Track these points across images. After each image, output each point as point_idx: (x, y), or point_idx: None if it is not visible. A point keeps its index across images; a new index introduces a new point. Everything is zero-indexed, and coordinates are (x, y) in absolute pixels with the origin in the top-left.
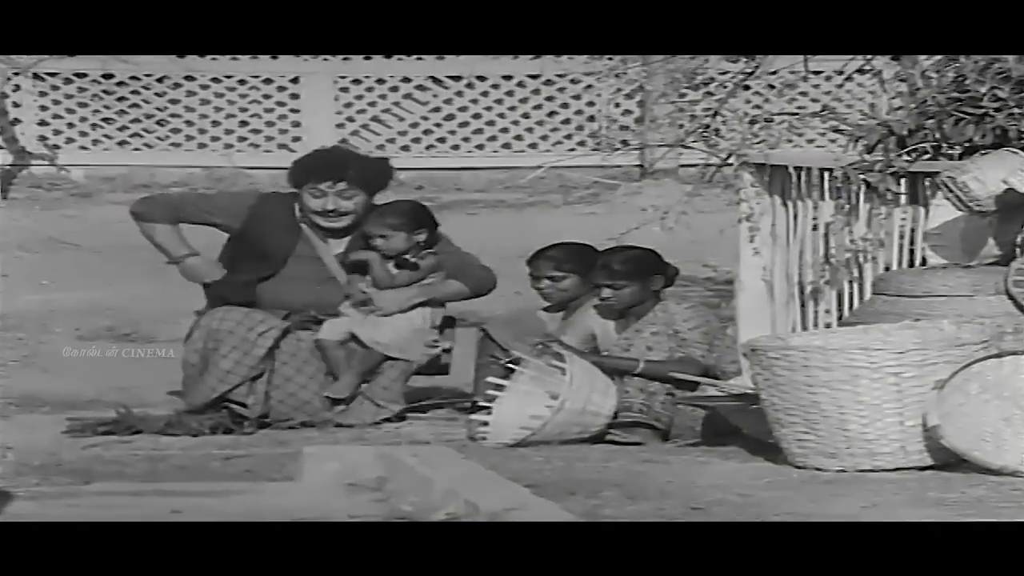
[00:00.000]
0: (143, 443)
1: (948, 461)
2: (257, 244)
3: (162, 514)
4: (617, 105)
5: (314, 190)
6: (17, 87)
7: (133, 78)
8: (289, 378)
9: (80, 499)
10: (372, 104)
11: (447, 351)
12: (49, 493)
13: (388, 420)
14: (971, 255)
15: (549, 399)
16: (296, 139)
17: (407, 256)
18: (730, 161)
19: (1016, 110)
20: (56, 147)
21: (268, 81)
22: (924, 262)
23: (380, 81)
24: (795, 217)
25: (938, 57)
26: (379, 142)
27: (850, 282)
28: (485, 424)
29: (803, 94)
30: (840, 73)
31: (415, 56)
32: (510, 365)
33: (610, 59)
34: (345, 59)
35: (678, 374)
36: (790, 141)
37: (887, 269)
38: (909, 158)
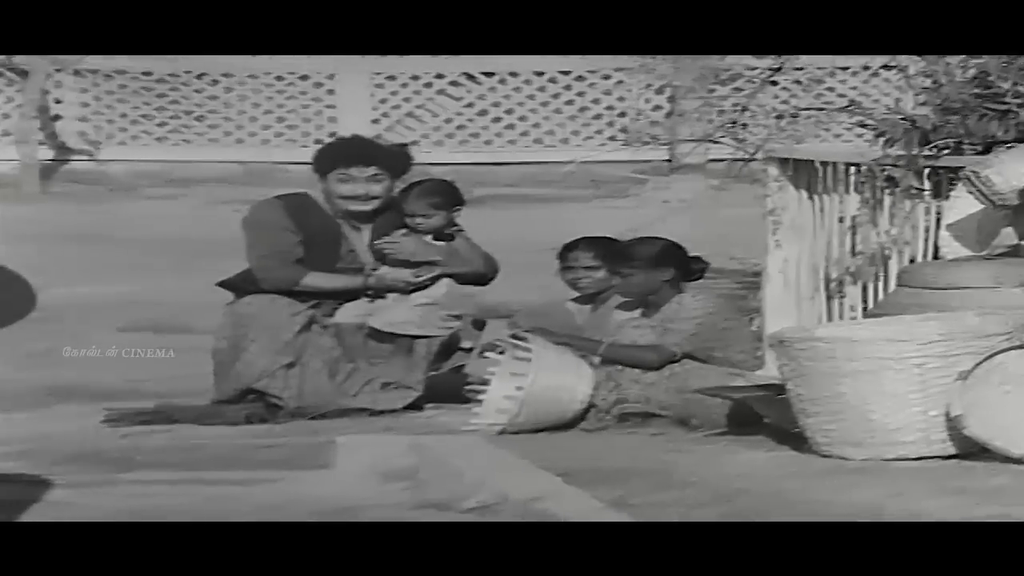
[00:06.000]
0: (180, 432)
1: (970, 450)
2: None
3: (196, 502)
4: (647, 101)
5: (343, 175)
6: (59, 84)
7: (172, 75)
8: (318, 370)
9: (118, 488)
10: (407, 100)
11: (469, 350)
12: (87, 482)
13: (415, 406)
14: (983, 245)
15: (519, 381)
16: (332, 134)
17: (443, 230)
18: (757, 156)
19: None
20: (96, 143)
21: (304, 78)
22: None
23: (415, 77)
24: (821, 211)
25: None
26: (414, 137)
27: (875, 275)
28: (475, 415)
29: (830, 89)
30: (866, 69)
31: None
32: (485, 354)
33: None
34: (381, 56)
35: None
36: (816, 136)
37: (911, 261)
38: (932, 153)
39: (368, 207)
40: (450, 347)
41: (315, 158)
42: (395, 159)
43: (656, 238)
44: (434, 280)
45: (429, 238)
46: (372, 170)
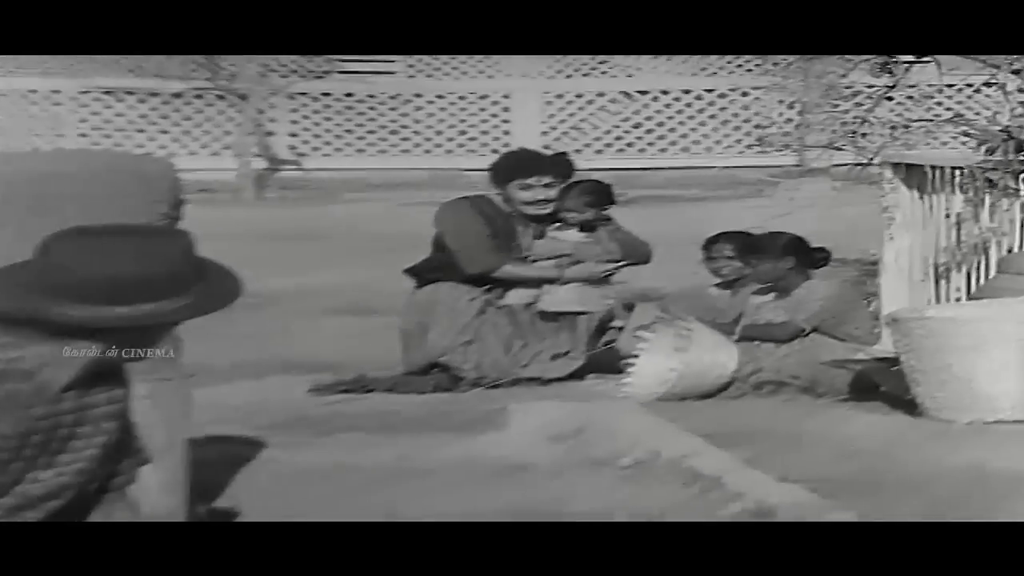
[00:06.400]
0: (376, 400)
1: None
2: (504, 237)
3: (388, 460)
4: (780, 114)
5: (522, 184)
6: (272, 105)
7: (370, 96)
8: (494, 346)
9: (322, 448)
10: (572, 115)
11: (619, 328)
12: (295, 443)
13: (577, 375)
14: None
15: (680, 355)
16: (506, 144)
17: (586, 221)
18: (875, 161)
19: None
20: (303, 155)
21: (484, 97)
22: None
23: (579, 95)
24: (930, 208)
25: None
26: (577, 147)
27: (980, 262)
28: (627, 383)
29: (938, 104)
30: (969, 86)
31: (609, 75)
32: (643, 332)
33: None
34: (550, 78)
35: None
36: (926, 144)
37: (1009, 251)
38: (1022, 160)
39: (546, 210)
40: (605, 323)
41: (493, 170)
42: (563, 167)
43: (782, 232)
44: (615, 272)
45: (576, 230)
46: (547, 178)
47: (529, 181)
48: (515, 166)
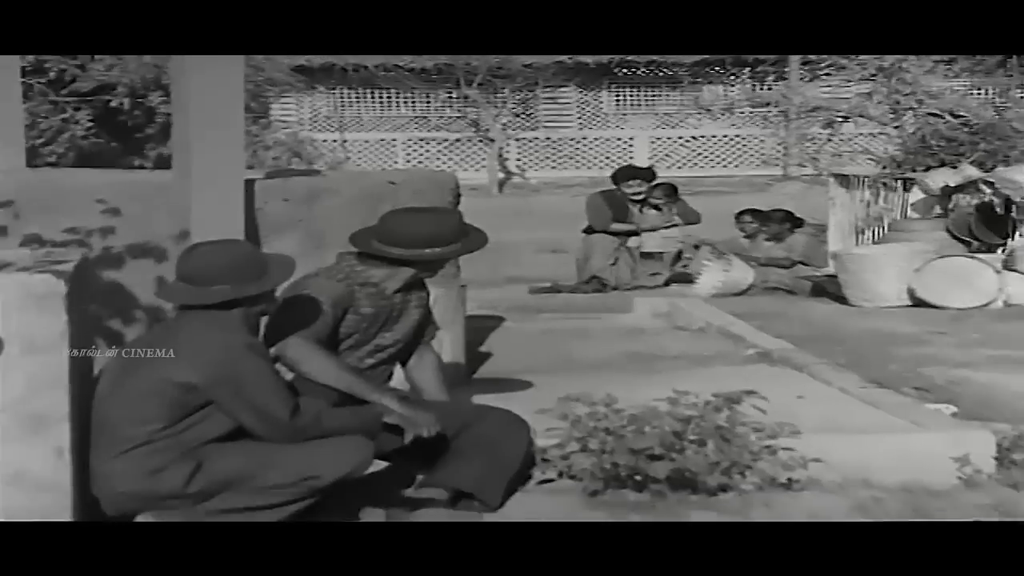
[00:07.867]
0: (562, 296)
1: (920, 303)
2: (617, 210)
3: (568, 327)
4: (775, 148)
5: (629, 183)
6: (508, 143)
7: (560, 139)
8: (623, 269)
9: (535, 322)
10: (663, 148)
11: (689, 258)
12: (521, 318)
13: (665, 284)
14: (927, 212)
15: (723, 273)
16: (629, 164)
17: (658, 204)
18: (824, 173)
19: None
20: (524, 168)
21: (619, 139)
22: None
23: (669, 138)
24: (852, 197)
25: (919, 125)
26: (667, 164)
27: (879, 226)
28: (694, 288)
29: (856, 143)
30: (872, 133)
31: (683, 128)
32: (707, 262)
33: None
34: (653, 129)
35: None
36: (851, 163)
37: (894, 220)
38: (901, 171)
39: (641, 197)
40: (679, 256)
41: (614, 175)
42: (650, 175)
43: (780, 209)
44: (670, 227)
45: (655, 209)
46: (641, 181)
47: (632, 182)
48: (627, 174)
